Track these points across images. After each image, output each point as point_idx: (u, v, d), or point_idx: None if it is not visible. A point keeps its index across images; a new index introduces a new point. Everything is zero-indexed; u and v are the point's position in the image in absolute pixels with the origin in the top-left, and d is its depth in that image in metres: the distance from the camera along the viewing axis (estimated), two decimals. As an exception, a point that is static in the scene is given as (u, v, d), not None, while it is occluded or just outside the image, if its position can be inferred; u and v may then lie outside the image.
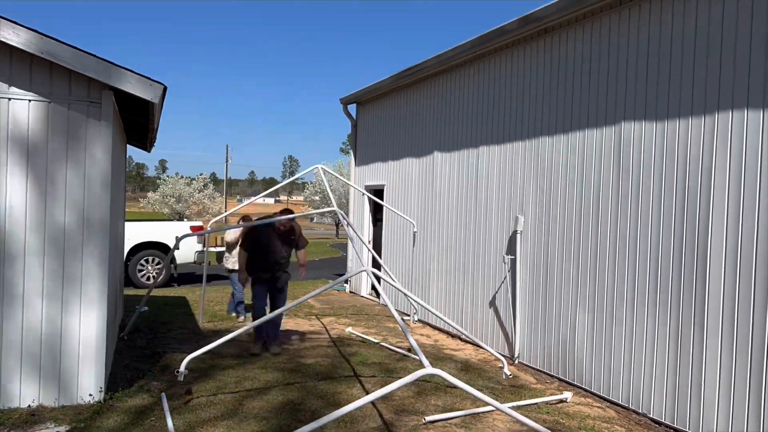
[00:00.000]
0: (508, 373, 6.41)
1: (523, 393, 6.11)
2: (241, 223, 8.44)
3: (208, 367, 6.64)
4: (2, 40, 4.82)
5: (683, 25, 5.24)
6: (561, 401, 5.88)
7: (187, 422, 4.93)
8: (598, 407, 5.78)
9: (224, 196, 59.01)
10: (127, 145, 9.73)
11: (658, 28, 5.49)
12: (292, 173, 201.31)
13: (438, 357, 7.51)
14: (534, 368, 7.06)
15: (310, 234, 59.15)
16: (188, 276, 16.28)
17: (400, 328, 9.28)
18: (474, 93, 8.39)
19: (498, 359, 6.64)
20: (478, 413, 5.44)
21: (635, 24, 5.73)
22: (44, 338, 5.13)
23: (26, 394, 5.10)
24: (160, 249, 13.71)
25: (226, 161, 68.17)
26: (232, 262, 9.33)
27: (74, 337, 5.20)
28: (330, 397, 5.69)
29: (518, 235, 7.33)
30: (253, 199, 11.85)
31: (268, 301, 7.66)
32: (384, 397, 5.63)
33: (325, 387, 6.02)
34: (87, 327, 5.23)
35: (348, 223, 8.75)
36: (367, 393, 5.82)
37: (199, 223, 13.81)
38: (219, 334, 8.44)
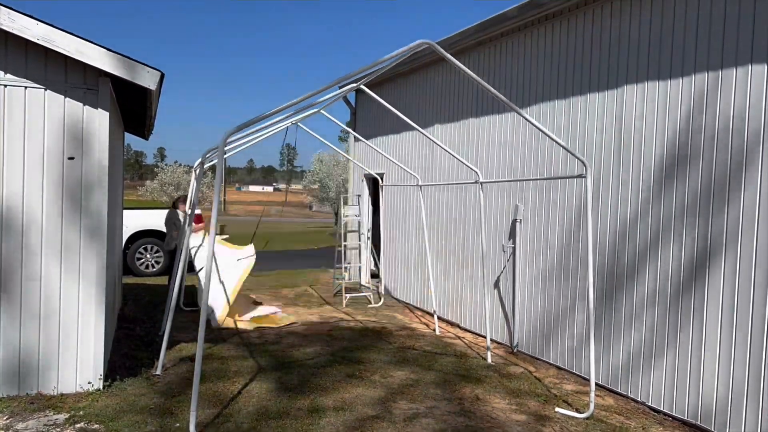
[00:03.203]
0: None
1: (522, 381, 6.12)
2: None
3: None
4: (-3, 25, 4.77)
5: (685, 10, 5.19)
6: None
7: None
8: (597, 395, 5.79)
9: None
10: (125, 133, 9.68)
11: (660, 15, 5.43)
12: (290, 162, 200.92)
13: (437, 345, 7.52)
14: (533, 356, 7.07)
15: (309, 222, 59.01)
16: (189, 264, 16.24)
17: (399, 317, 9.29)
18: (473, 82, 8.31)
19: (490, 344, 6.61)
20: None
21: (637, 11, 5.67)
22: (43, 325, 5.12)
23: (25, 382, 5.09)
24: (159, 237, 13.68)
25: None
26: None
27: (73, 325, 5.19)
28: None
29: (518, 224, 7.32)
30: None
31: None
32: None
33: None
34: (86, 315, 5.22)
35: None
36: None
37: (198, 212, 13.74)
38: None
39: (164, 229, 13.53)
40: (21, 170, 5.03)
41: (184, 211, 9.66)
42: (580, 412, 5.25)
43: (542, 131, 5.13)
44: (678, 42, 5.25)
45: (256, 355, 6.72)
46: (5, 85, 4.98)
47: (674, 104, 5.28)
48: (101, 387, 5.28)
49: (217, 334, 7.68)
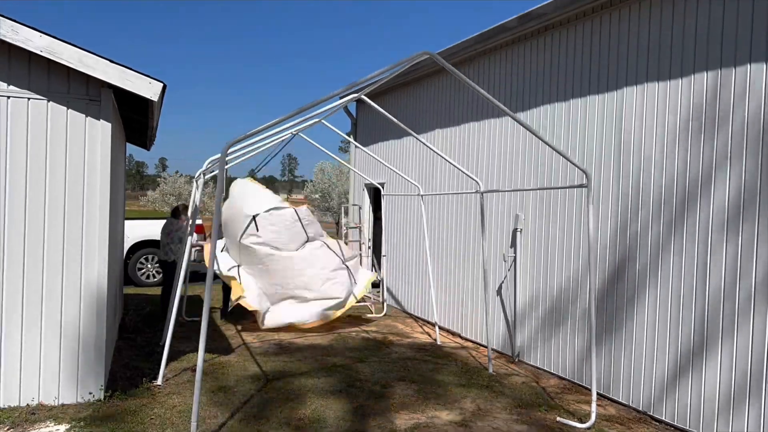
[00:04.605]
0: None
1: (523, 390, 6.10)
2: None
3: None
4: (0, 38, 4.81)
5: (683, 24, 5.23)
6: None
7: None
8: (598, 405, 5.77)
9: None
10: (127, 144, 9.72)
11: (658, 26, 5.47)
12: (291, 171, 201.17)
13: (437, 355, 7.50)
14: (534, 366, 7.05)
15: (310, 232, 59.01)
16: (191, 274, 16.22)
17: (400, 326, 9.27)
18: (473, 92, 8.36)
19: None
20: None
21: (635, 22, 5.71)
22: (44, 336, 5.12)
23: (26, 392, 5.09)
24: (160, 248, 13.67)
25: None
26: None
27: (74, 334, 5.20)
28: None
29: (518, 234, 7.32)
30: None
31: None
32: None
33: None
34: (87, 325, 5.23)
35: None
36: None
37: (199, 221, 13.75)
38: (217, 331, 8.44)
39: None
40: (23, 182, 5.06)
41: (185, 221, 9.05)
42: (582, 422, 5.23)
43: (543, 141, 5.15)
44: (677, 51, 5.29)
45: (264, 366, 6.72)
46: (8, 97, 5.02)
47: (673, 116, 5.30)
48: (102, 397, 5.28)
49: (219, 344, 7.67)
